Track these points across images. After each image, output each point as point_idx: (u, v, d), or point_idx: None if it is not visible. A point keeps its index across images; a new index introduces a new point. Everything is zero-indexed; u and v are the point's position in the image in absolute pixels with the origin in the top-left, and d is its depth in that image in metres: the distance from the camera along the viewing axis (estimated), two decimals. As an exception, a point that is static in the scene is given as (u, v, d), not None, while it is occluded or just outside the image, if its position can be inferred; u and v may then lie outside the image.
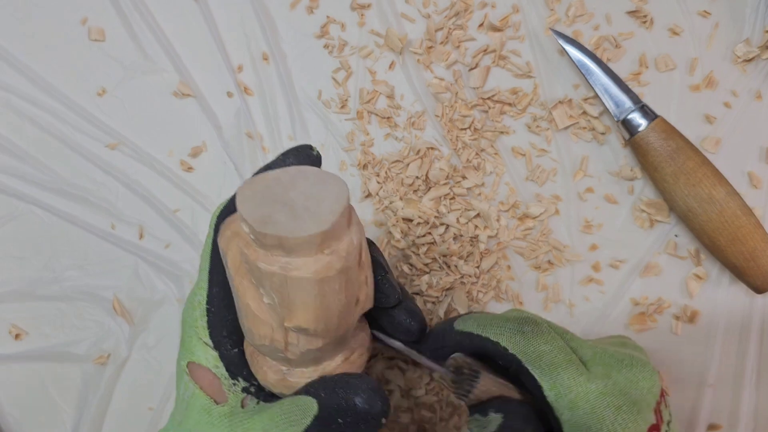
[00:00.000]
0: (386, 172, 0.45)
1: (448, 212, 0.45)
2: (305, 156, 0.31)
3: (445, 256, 0.44)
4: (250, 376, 0.30)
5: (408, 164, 0.45)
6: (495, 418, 0.30)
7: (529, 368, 0.30)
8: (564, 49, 0.44)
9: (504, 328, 0.31)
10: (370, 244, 0.31)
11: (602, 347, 0.32)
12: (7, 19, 0.48)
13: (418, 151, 0.45)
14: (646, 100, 0.44)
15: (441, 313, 0.44)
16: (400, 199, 0.45)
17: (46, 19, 0.48)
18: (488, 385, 0.31)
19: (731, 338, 0.44)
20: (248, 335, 0.28)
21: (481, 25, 0.46)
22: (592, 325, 0.44)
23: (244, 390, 0.30)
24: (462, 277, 0.44)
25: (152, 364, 0.46)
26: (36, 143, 0.47)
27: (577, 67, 0.43)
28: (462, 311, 0.44)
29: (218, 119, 0.47)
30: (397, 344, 0.31)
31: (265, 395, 0.31)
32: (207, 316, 0.30)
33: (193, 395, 0.30)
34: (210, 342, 0.30)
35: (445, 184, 0.45)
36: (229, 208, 0.31)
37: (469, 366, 0.31)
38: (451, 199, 0.45)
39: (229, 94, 0.47)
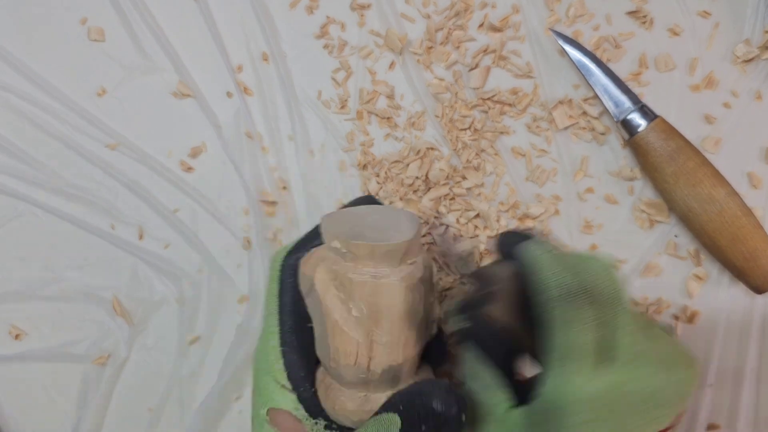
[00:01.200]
0: (386, 173, 0.45)
1: (448, 212, 0.45)
2: (371, 202, 0.34)
3: (445, 256, 0.44)
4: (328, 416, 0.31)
5: (408, 164, 0.45)
6: (463, 323, 0.30)
7: (544, 344, 0.28)
8: (564, 49, 0.44)
9: (562, 288, 0.28)
10: None
11: (646, 353, 0.28)
12: (7, 19, 0.47)
13: (418, 152, 0.45)
14: (646, 100, 0.44)
15: (441, 314, 0.44)
16: (400, 199, 0.45)
17: (45, 19, 0.48)
18: (491, 313, 0.30)
19: (731, 338, 0.44)
20: (333, 357, 0.29)
21: (481, 25, 0.46)
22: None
23: (327, 428, 0.31)
24: (462, 277, 0.44)
25: (151, 365, 0.46)
26: (36, 143, 0.47)
27: (577, 67, 0.43)
28: (462, 311, 0.44)
29: (218, 119, 0.47)
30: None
31: (348, 430, 0.31)
32: (283, 358, 0.31)
33: None
34: (288, 384, 0.31)
35: (444, 184, 0.45)
36: (297, 251, 0.32)
37: (498, 278, 0.30)
38: (450, 199, 0.45)
39: (229, 94, 0.47)
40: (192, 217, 0.47)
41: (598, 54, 0.45)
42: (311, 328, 0.32)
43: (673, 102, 0.45)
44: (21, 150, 0.47)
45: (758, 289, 0.41)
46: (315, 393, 0.31)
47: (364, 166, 0.46)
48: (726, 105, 0.44)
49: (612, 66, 0.45)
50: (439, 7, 0.46)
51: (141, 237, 0.47)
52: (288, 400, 0.30)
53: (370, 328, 0.29)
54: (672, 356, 0.30)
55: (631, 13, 0.45)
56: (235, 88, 0.47)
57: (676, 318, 0.44)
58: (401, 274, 0.29)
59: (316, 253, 0.30)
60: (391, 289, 0.28)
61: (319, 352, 0.31)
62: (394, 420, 0.28)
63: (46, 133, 0.47)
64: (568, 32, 0.45)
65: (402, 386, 0.30)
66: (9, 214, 0.47)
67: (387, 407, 0.29)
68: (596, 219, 0.45)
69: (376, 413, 0.29)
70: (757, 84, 0.44)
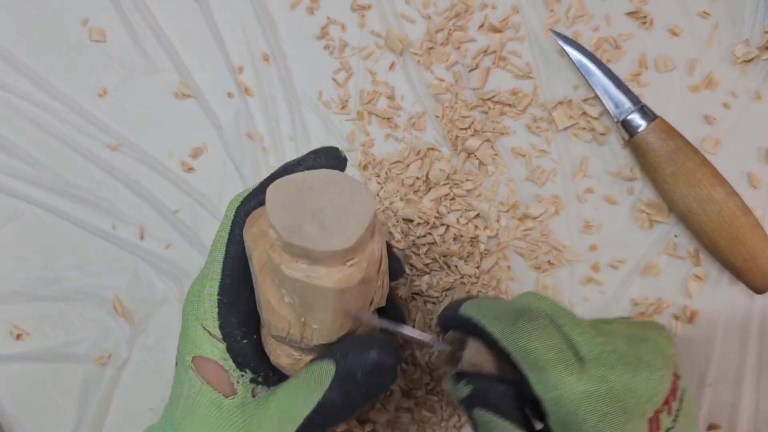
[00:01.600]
0: (386, 173, 0.45)
1: (448, 213, 0.45)
2: (333, 158, 0.32)
3: (445, 256, 0.45)
4: (257, 368, 0.31)
5: (408, 165, 0.45)
6: (464, 389, 0.31)
7: (517, 360, 0.30)
8: (564, 49, 0.44)
9: (499, 320, 0.30)
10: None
11: (613, 345, 0.30)
12: (7, 19, 0.48)
13: (419, 152, 0.45)
14: (646, 100, 0.44)
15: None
16: (401, 199, 0.45)
17: (46, 19, 0.48)
18: (476, 354, 0.31)
19: (731, 338, 0.44)
20: (266, 325, 0.29)
21: (481, 26, 0.46)
22: (592, 325, 0.44)
23: (253, 381, 0.30)
24: (462, 277, 0.44)
25: (152, 365, 0.46)
26: (36, 143, 0.47)
27: (576, 67, 0.44)
28: (462, 311, 0.44)
29: (219, 120, 0.47)
30: (405, 329, 0.32)
31: (274, 383, 0.31)
32: (218, 307, 0.30)
33: (199, 391, 0.30)
34: (218, 333, 0.30)
35: (445, 184, 0.45)
36: (251, 200, 0.31)
37: (458, 339, 0.31)
38: (451, 199, 0.45)
39: (230, 95, 0.47)
40: (193, 217, 0.47)
41: (597, 54, 0.45)
42: (252, 282, 0.31)
43: (673, 102, 0.45)
44: (21, 150, 0.47)
45: (758, 289, 0.42)
46: (247, 344, 0.31)
47: (365, 167, 0.46)
48: (725, 105, 0.44)
49: (612, 66, 0.45)
50: (439, 8, 0.46)
51: (142, 237, 0.47)
52: (216, 350, 0.30)
53: (302, 314, 0.28)
54: (636, 330, 0.32)
55: (631, 14, 0.45)
56: (236, 88, 0.47)
57: (676, 318, 0.44)
58: (337, 277, 0.26)
59: (258, 222, 0.28)
60: (322, 291, 0.27)
61: (259, 311, 0.30)
62: (328, 368, 0.28)
63: (47, 133, 0.47)
64: (568, 33, 0.45)
65: None
66: (9, 214, 0.47)
67: (322, 356, 0.29)
68: (596, 219, 0.45)
69: (312, 361, 0.29)
70: (756, 84, 0.44)
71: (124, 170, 0.47)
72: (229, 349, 0.30)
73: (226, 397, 0.30)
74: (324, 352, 0.29)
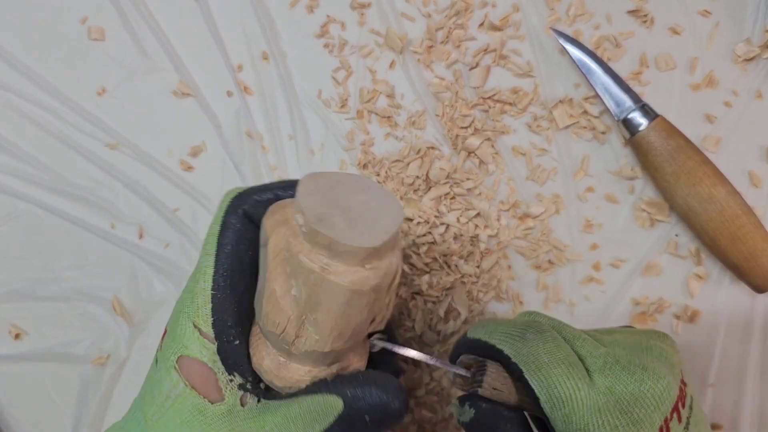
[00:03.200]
0: (386, 172, 0.45)
1: (449, 212, 0.45)
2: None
3: (445, 255, 0.44)
4: (246, 372, 0.29)
5: (408, 164, 0.45)
6: (468, 412, 0.30)
7: (528, 378, 0.29)
8: (564, 48, 0.43)
9: (508, 335, 0.30)
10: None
11: (616, 356, 0.30)
12: (7, 19, 0.48)
13: (419, 151, 0.45)
14: (647, 99, 0.44)
15: (441, 313, 0.44)
16: (401, 198, 0.45)
17: (46, 19, 0.48)
18: (497, 378, 0.30)
19: (732, 338, 0.43)
20: (263, 318, 0.28)
21: (481, 24, 0.46)
22: (593, 325, 0.44)
23: (241, 387, 0.29)
24: (462, 276, 0.44)
25: (152, 364, 0.46)
26: (36, 143, 0.47)
27: (577, 66, 0.43)
28: (462, 311, 0.44)
29: (218, 119, 0.47)
30: (411, 352, 0.31)
31: (264, 393, 0.29)
32: (212, 302, 0.28)
33: (181, 394, 0.28)
34: (211, 332, 0.28)
35: (445, 183, 0.45)
36: (250, 194, 0.30)
37: (475, 361, 0.31)
38: (451, 198, 0.45)
39: (229, 94, 0.47)
40: (192, 217, 0.46)
41: (598, 53, 0.45)
42: (248, 276, 0.30)
43: (674, 101, 0.44)
44: (21, 149, 0.47)
45: (759, 289, 0.41)
46: (238, 345, 0.29)
47: (365, 166, 0.46)
48: (726, 104, 0.44)
49: (612, 65, 0.44)
50: (439, 6, 0.46)
51: (141, 236, 0.46)
52: (205, 351, 0.28)
53: (304, 311, 0.27)
54: (638, 339, 0.31)
55: (632, 12, 0.45)
56: (236, 87, 0.47)
57: (677, 317, 0.44)
58: (352, 277, 0.26)
59: (282, 210, 0.28)
60: (334, 288, 0.26)
61: (256, 304, 0.29)
62: (336, 403, 0.27)
63: (47, 133, 0.47)
64: (569, 31, 0.45)
65: (321, 368, 0.29)
66: (9, 214, 0.47)
67: (330, 388, 0.28)
68: (597, 218, 0.45)
69: (314, 389, 0.28)
70: (757, 83, 0.44)
71: (124, 169, 0.47)
72: (219, 350, 0.28)
73: (212, 402, 0.28)
74: (333, 384, 0.28)
